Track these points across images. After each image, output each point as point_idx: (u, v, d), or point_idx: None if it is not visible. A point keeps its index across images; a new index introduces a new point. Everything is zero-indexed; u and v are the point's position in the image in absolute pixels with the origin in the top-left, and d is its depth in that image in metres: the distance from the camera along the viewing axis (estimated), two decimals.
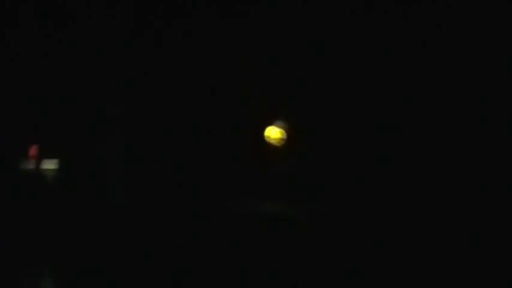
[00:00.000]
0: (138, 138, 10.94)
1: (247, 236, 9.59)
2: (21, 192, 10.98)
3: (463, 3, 9.54)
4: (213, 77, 10.78)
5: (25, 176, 11.20)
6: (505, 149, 9.37)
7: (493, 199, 9.19)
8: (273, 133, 10.87)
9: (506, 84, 9.46)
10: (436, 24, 9.74)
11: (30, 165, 11.29)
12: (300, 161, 10.59)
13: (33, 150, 11.26)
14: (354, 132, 10.25)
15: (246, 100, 10.72)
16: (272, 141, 10.93)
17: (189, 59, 10.79)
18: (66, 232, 10.06)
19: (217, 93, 10.79)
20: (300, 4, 10.34)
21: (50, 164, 11.30)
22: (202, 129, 10.83)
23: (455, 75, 9.69)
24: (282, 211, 10.28)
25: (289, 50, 10.54)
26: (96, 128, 10.95)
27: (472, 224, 8.98)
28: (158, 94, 10.89)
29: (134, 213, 10.36)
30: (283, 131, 10.72)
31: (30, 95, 11.02)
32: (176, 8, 10.70)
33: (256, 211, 10.28)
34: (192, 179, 10.75)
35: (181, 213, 10.26)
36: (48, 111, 11.04)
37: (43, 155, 11.29)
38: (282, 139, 11.05)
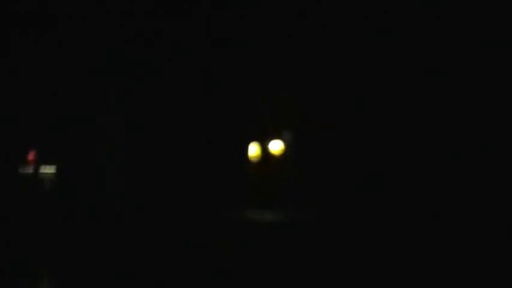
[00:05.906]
0: (138, 142, 10.91)
1: (248, 243, 9.56)
2: (20, 196, 10.96)
3: (463, 3, 9.54)
4: (217, 84, 10.75)
5: (23, 181, 11.19)
6: (506, 149, 9.34)
7: (493, 199, 9.16)
8: (253, 151, 10.84)
9: (507, 84, 9.44)
10: (436, 23, 9.73)
11: (29, 170, 11.28)
12: (301, 168, 10.55)
13: (31, 155, 11.25)
14: (355, 137, 10.21)
15: (247, 108, 10.69)
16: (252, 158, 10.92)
17: (192, 65, 10.77)
18: (64, 238, 10.03)
19: (218, 100, 10.76)
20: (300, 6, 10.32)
21: (48, 169, 11.28)
22: (202, 136, 10.80)
23: (457, 78, 9.67)
24: (284, 218, 10.23)
25: (292, 58, 10.50)
26: (95, 133, 10.93)
27: (473, 225, 8.94)
28: (159, 100, 10.86)
29: (133, 217, 10.32)
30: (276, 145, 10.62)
31: (29, 100, 11.02)
32: (176, 11, 10.70)
33: (256, 219, 10.23)
34: (191, 188, 10.71)
35: (180, 221, 10.21)
36: (46, 116, 11.03)
37: (41, 160, 11.27)
38: (258, 156, 11.08)
